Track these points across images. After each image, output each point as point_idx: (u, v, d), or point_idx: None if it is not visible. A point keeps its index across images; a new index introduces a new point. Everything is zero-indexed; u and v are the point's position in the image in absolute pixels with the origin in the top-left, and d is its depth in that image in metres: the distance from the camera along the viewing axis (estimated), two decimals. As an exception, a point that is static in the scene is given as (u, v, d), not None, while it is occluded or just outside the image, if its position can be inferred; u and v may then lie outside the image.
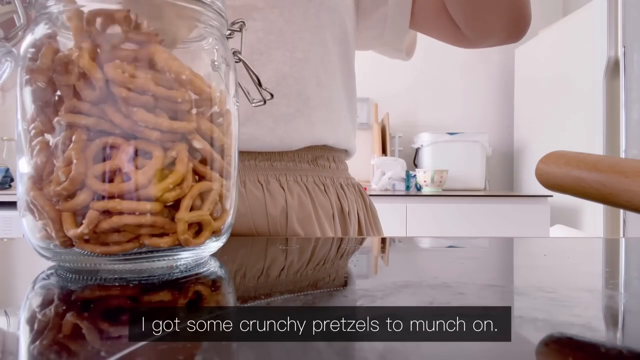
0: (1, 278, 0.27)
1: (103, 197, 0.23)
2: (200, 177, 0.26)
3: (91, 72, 0.23)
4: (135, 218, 0.23)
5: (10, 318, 0.18)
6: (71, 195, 0.23)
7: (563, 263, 0.30)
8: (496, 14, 0.52)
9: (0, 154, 2.15)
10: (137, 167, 0.23)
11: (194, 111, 0.25)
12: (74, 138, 0.23)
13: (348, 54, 0.55)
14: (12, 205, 1.67)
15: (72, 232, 0.23)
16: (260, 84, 0.32)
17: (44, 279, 0.24)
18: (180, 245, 0.25)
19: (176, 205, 0.25)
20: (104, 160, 0.23)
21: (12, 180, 2.00)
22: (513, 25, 0.53)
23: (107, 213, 0.23)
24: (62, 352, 0.14)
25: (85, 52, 0.23)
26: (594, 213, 1.71)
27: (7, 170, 1.97)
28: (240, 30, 0.31)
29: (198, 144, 0.25)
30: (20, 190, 0.25)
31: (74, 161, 0.23)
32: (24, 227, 0.26)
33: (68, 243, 0.24)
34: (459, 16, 0.53)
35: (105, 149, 0.23)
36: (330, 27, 0.52)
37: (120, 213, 0.23)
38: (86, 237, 0.23)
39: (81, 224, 0.23)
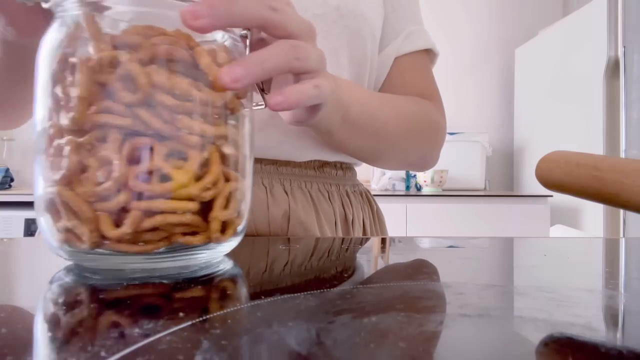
0: (1, 278, 0.27)
1: (141, 197, 0.23)
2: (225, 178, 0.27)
3: (139, 77, 0.23)
4: (176, 217, 0.24)
5: (24, 319, 0.18)
6: (107, 196, 0.23)
7: (563, 263, 0.30)
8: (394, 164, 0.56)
9: (1, 154, 2.15)
10: (174, 168, 0.24)
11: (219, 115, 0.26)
12: (109, 138, 0.23)
13: (362, 75, 0.54)
14: (12, 205, 1.67)
15: (113, 232, 0.23)
16: (263, 90, 0.32)
17: (60, 278, 0.24)
18: (207, 244, 0.26)
19: (204, 204, 0.25)
20: (140, 160, 0.23)
21: (12, 180, 2.00)
22: (415, 168, 0.60)
23: (147, 213, 0.23)
24: (86, 347, 0.14)
25: (134, 57, 0.23)
26: (594, 213, 1.71)
27: (7, 170, 1.97)
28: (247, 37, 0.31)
29: (228, 149, 0.26)
30: (39, 191, 0.25)
31: (115, 162, 0.23)
32: (42, 227, 0.25)
33: (98, 243, 0.24)
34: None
35: (141, 150, 0.23)
36: (350, 50, 0.50)
37: (161, 213, 0.23)
38: (127, 237, 0.23)
39: (117, 224, 0.23)
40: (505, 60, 2.41)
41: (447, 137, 2.08)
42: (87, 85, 0.23)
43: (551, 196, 1.82)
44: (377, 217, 0.59)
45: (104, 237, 0.24)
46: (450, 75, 2.39)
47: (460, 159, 2.09)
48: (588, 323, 0.17)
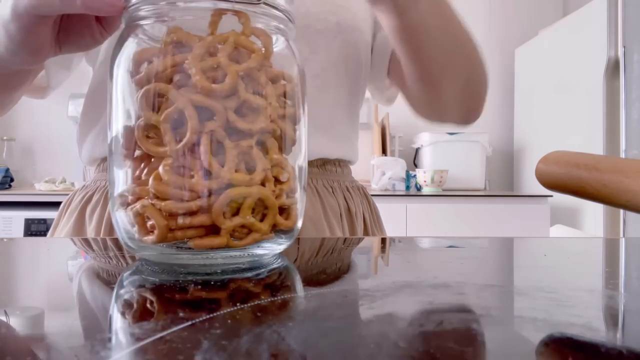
0: (6, 277, 0.27)
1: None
2: None
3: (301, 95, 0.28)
4: None
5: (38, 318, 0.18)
6: (287, 193, 0.27)
7: (563, 263, 0.30)
8: (451, 89, 0.53)
9: (1, 154, 2.15)
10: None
11: None
12: (269, 144, 0.26)
13: (358, 85, 0.58)
14: (12, 205, 1.67)
15: (286, 223, 0.27)
16: None
17: (131, 274, 0.24)
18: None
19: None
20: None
21: (12, 180, 2.00)
22: (466, 109, 0.57)
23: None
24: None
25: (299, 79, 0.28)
26: (594, 213, 1.71)
27: (7, 170, 1.97)
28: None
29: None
30: (123, 188, 0.27)
31: (288, 164, 0.26)
32: (117, 223, 0.27)
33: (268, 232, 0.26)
34: (416, 86, 0.54)
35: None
36: (347, 62, 0.55)
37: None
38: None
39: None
40: (506, 60, 2.41)
41: (447, 137, 2.08)
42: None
43: (551, 196, 1.82)
44: (374, 211, 0.63)
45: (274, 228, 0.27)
46: (450, 75, 2.38)
47: (460, 159, 2.09)
48: (588, 323, 0.17)
